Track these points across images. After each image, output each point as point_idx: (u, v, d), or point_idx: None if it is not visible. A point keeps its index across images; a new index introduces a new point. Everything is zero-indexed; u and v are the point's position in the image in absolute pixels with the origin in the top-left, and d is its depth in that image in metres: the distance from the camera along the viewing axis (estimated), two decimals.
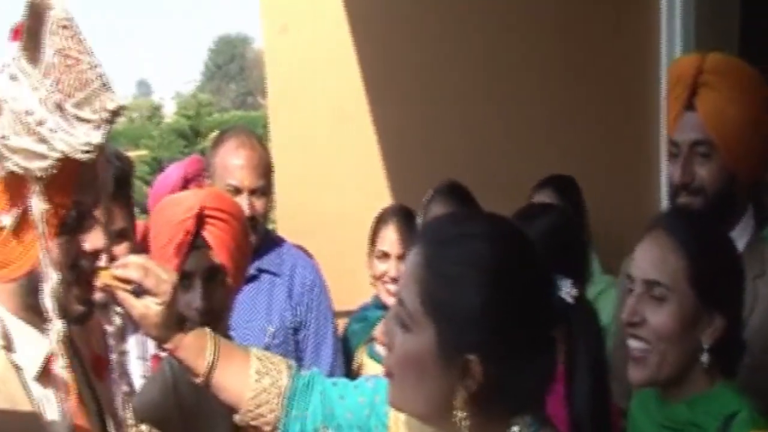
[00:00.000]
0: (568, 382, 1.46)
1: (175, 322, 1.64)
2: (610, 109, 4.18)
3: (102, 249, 1.52)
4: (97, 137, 1.41)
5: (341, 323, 3.31)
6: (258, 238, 2.88)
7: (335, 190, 4.28)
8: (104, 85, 1.43)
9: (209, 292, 2.01)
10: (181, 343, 1.65)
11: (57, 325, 1.45)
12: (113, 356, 1.66)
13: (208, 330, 1.70)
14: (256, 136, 3.07)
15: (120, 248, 2.29)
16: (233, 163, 2.89)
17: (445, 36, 4.22)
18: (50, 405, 1.52)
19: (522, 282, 1.36)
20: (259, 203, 2.90)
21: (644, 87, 4.14)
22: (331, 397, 1.70)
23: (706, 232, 1.85)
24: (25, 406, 1.49)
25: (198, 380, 1.67)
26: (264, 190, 2.92)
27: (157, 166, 19.51)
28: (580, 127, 4.18)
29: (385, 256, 3.16)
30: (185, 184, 3.37)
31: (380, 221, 3.24)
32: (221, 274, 2.03)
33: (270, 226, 3.34)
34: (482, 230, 1.40)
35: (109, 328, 1.64)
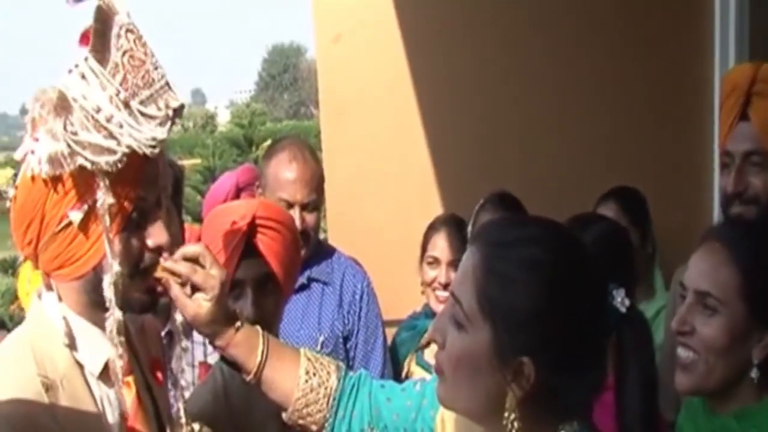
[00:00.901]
0: (618, 391, 1.46)
1: (225, 319, 1.66)
2: (664, 122, 4.14)
3: (164, 245, 1.57)
4: (161, 133, 1.47)
5: (390, 332, 3.33)
6: (309, 250, 2.90)
7: (386, 200, 4.29)
8: (167, 84, 1.49)
9: (260, 300, 2.04)
10: (233, 341, 1.67)
11: (116, 314, 1.50)
12: (173, 356, 1.70)
13: (258, 328, 1.73)
14: (310, 147, 3.06)
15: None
16: (285, 176, 2.89)
17: (500, 47, 4.22)
18: (111, 404, 1.56)
19: (578, 289, 1.37)
20: (310, 217, 2.91)
21: (699, 99, 4.10)
22: (378, 398, 1.72)
23: (760, 246, 1.82)
24: (88, 404, 1.53)
25: (249, 378, 1.70)
26: (315, 204, 2.93)
27: (210, 174, 19.72)
28: (635, 141, 4.14)
29: (436, 262, 3.17)
30: (238, 192, 3.42)
31: (431, 229, 3.26)
32: (272, 283, 2.06)
33: (321, 236, 3.36)
34: (542, 235, 1.41)
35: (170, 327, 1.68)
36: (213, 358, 2.51)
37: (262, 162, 3.06)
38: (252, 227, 2.03)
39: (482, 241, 1.43)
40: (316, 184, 2.94)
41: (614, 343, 1.43)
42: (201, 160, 23.89)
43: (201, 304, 1.61)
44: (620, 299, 1.41)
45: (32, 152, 1.46)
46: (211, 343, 1.69)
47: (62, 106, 1.43)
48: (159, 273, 1.59)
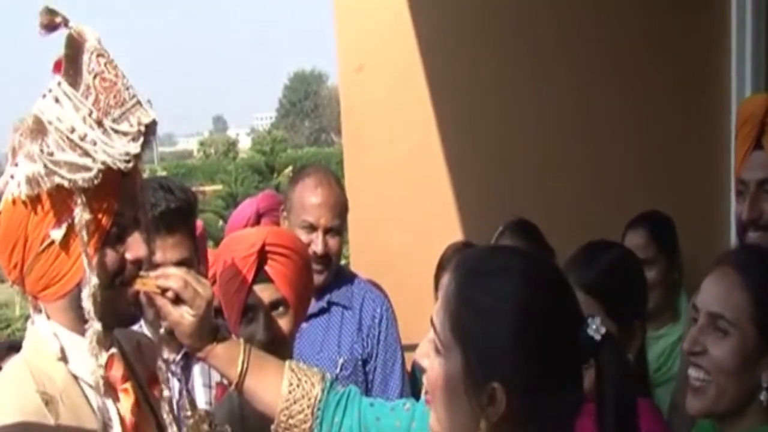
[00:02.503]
0: (598, 417, 1.47)
1: (207, 332, 1.74)
2: (682, 149, 4.15)
3: (143, 258, 1.63)
4: (134, 148, 1.53)
5: (411, 357, 3.35)
6: (330, 274, 2.96)
7: (407, 227, 4.33)
8: (139, 102, 1.56)
9: (271, 324, 2.10)
10: (212, 352, 1.75)
11: (95, 326, 1.55)
12: (159, 364, 1.78)
13: (241, 341, 1.80)
14: (335, 175, 3.14)
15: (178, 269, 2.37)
16: (311, 200, 2.96)
17: (523, 76, 4.26)
18: (109, 413, 1.61)
19: (550, 317, 1.39)
20: (333, 242, 2.97)
21: (715, 127, 4.13)
22: (367, 417, 1.76)
23: None
24: (87, 415, 1.58)
25: (231, 389, 1.78)
26: (338, 229, 2.99)
27: (232, 200, 19.80)
28: (654, 167, 4.16)
29: None
30: (258, 218, 3.46)
31: (443, 259, 3.30)
32: (284, 307, 2.12)
33: (342, 262, 3.40)
34: (515, 265, 1.44)
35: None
36: None
37: (288, 187, 3.14)
38: (262, 254, 2.08)
39: (459, 270, 1.45)
40: (340, 210, 3.01)
41: (593, 372, 1.45)
42: (223, 186, 24.00)
43: (184, 316, 1.69)
44: (595, 327, 1.42)
45: (12, 177, 1.53)
46: (192, 353, 1.75)
47: (38, 129, 1.50)
48: (147, 288, 1.66)
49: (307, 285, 2.21)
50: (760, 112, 2.30)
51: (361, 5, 4.35)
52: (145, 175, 1.73)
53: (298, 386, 1.77)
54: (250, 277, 2.07)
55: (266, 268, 2.09)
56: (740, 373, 1.78)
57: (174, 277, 1.68)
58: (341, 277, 3.09)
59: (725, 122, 4.06)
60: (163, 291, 1.68)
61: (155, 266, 1.73)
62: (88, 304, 1.54)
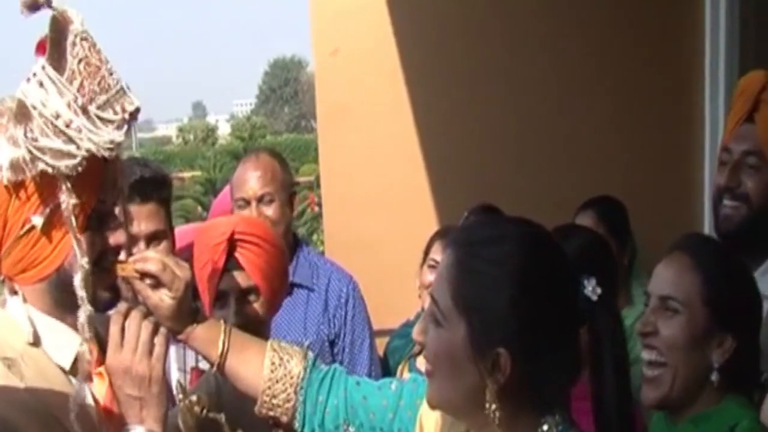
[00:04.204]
0: (593, 378, 1.51)
1: (187, 314, 1.74)
2: (656, 132, 4.20)
3: (123, 244, 1.65)
4: (119, 136, 1.53)
5: (383, 342, 3.37)
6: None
7: (382, 212, 4.34)
8: (123, 89, 1.55)
9: (242, 311, 2.13)
10: (193, 334, 1.76)
11: (87, 311, 1.55)
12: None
13: (221, 322, 1.81)
14: (270, 151, 3.21)
15: (159, 249, 2.39)
16: (240, 177, 3.04)
17: (498, 63, 4.28)
18: (84, 392, 1.61)
19: (548, 280, 1.43)
20: (269, 209, 3.00)
21: (689, 112, 4.17)
22: (353, 396, 1.77)
23: (723, 255, 1.91)
24: (55, 374, 1.59)
25: (213, 369, 1.79)
26: (272, 197, 3.01)
27: (211, 186, 19.78)
28: (626, 150, 4.21)
29: (436, 264, 3.21)
30: None
31: (437, 235, 3.31)
32: (254, 294, 2.15)
33: (320, 248, 3.41)
34: (510, 232, 1.48)
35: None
36: (205, 363, 2.55)
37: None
38: (232, 242, 2.11)
39: (455, 243, 1.49)
40: (270, 178, 3.03)
41: (588, 332, 1.49)
42: (202, 172, 23.96)
43: (163, 299, 1.68)
44: (591, 288, 1.46)
45: None
46: (174, 336, 1.75)
47: (22, 113, 1.49)
48: (126, 273, 1.66)
49: (279, 273, 2.23)
50: (756, 88, 2.32)
51: None
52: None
53: (279, 365, 1.78)
54: (220, 264, 2.10)
55: (236, 255, 2.13)
56: (691, 352, 1.81)
57: (152, 260, 1.68)
58: (304, 258, 3.10)
59: (699, 107, 4.10)
60: (142, 275, 1.67)
61: (133, 241, 1.73)
62: (80, 290, 1.54)
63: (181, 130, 60.89)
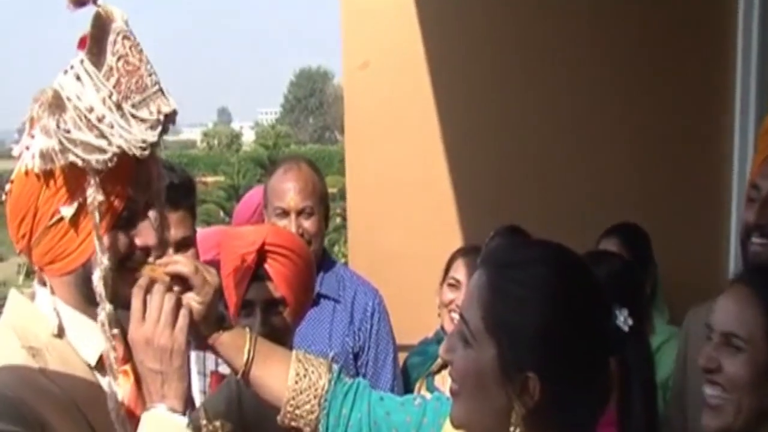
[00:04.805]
0: (621, 407, 1.50)
1: (214, 320, 1.73)
2: (683, 161, 4.16)
3: (152, 245, 1.62)
4: (152, 136, 1.52)
5: (402, 357, 3.36)
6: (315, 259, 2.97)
7: (407, 227, 4.34)
8: (160, 90, 1.55)
9: (268, 321, 2.13)
10: (219, 340, 1.74)
11: (107, 308, 1.55)
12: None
13: (247, 330, 1.79)
14: (310, 162, 3.15)
15: (187, 255, 2.38)
16: (280, 187, 2.99)
17: (524, 80, 4.28)
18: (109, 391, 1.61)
19: (582, 307, 1.43)
20: (307, 223, 2.97)
21: (716, 145, 4.13)
22: (376, 411, 1.76)
23: None
24: (77, 364, 1.59)
25: (237, 377, 1.76)
26: (312, 210, 2.99)
27: (234, 192, 19.80)
28: (653, 178, 4.18)
29: (457, 284, 3.20)
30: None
31: (457, 253, 3.31)
32: (281, 306, 2.15)
33: (342, 260, 3.40)
34: (545, 255, 1.48)
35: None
36: (225, 367, 2.55)
37: (265, 182, 3.16)
38: (262, 252, 2.11)
39: (489, 263, 1.49)
40: (311, 191, 3.00)
41: (617, 361, 1.48)
42: (225, 178, 23.97)
43: (191, 304, 1.66)
44: (623, 318, 1.46)
45: (27, 148, 1.52)
46: (199, 340, 1.75)
47: (56, 104, 1.49)
48: (155, 274, 1.63)
49: (306, 286, 2.23)
50: None
51: (368, 3, 4.36)
52: None
53: (304, 376, 1.76)
54: (248, 274, 2.10)
55: (265, 266, 2.13)
56: (755, 389, 1.80)
57: (184, 263, 1.67)
58: (331, 269, 3.09)
59: (728, 141, 4.07)
60: (172, 278, 1.65)
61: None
62: (100, 287, 1.53)
63: (205, 134, 61.23)
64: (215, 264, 2.18)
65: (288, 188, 2.98)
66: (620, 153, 4.20)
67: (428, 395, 3.06)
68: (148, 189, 1.62)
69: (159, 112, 1.53)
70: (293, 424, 1.77)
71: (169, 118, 1.56)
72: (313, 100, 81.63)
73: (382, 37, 4.35)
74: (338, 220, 10.81)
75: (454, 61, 4.31)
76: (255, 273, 2.11)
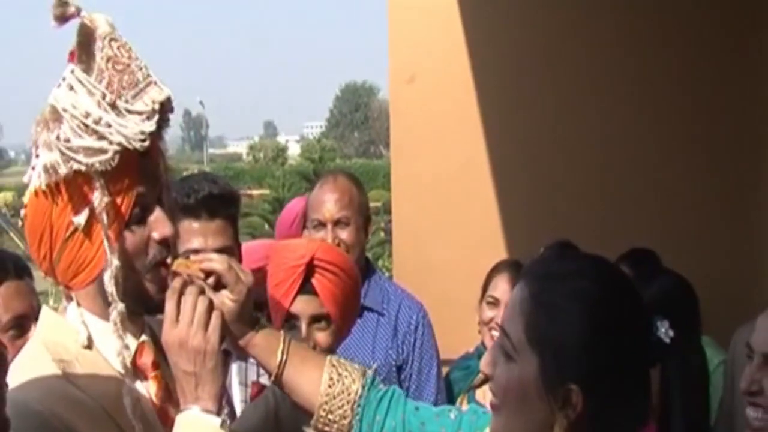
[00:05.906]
0: (662, 422, 1.48)
1: (247, 320, 1.71)
2: (718, 184, 4.13)
3: (170, 236, 1.61)
4: (149, 126, 1.53)
5: (444, 371, 3.35)
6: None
7: (451, 241, 4.33)
8: (152, 81, 1.56)
9: (312, 335, 2.12)
10: (252, 341, 1.73)
11: (118, 307, 1.55)
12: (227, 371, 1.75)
13: (281, 333, 1.78)
14: (348, 174, 3.18)
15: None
16: (317, 199, 3.02)
17: (571, 91, 4.26)
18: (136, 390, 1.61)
19: (623, 319, 1.41)
20: (344, 233, 2.97)
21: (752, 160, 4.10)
22: (411, 421, 1.74)
23: None
24: (108, 370, 1.59)
25: (271, 379, 1.75)
26: (349, 220, 2.99)
27: (279, 205, 19.94)
28: (693, 201, 4.15)
29: (496, 302, 3.19)
30: (306, 216, 3.52)
31: (494, 270, 3.29)
32: (326, 322, 2.14)
33: (386, 274, 3.40)
34: (587, 268, 1.47)
35: None
36: (266, 378, 2.56)
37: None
38: (310, 267, 2.11)
39: (530, 276, 1.48)
40: (348, 201, 3.01)
41: (659, 374, 1.46)
42: (270, 191, 24.15)
43: (225, 302, 1.66)
44: (664, 330, 1.44)
45: (33, 168, 1.54)
46: (233, 341, 1.74)
47: (53, 118, 1.51)
48: (189, 270, 1.63)
49: (352, 303, 2.23)
50: None
51: (415, 18, 4.38)
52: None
53: (338, 381, 1.75)
54: (295, 287, 2.10)
55: (313, 281, 2.12)
56: None
57: (218, 260, 1.67)
58: (375, 281, 3.10)
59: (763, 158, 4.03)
60: (206, 276, 1.66)
61: (195, 251, 1.71)
62: (110, 286, 1.54)
63: (251, 148, 61.75)
64: (262, 273, 2.19)
65: (324, 200, 3.00)
66: (677, 165, 4.17)
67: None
68: (157, 182, 1.61)
69: (153, 101, 1.54)
70: (326, 429, 1.76)
71: (165, 107, 1.56)
72: (358, 114, 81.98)
73: (428, 51, 4.36)
74: (381, 234, 10.82)
75: (500, 75, 4.31)
76: (302, 287, 2.11)
